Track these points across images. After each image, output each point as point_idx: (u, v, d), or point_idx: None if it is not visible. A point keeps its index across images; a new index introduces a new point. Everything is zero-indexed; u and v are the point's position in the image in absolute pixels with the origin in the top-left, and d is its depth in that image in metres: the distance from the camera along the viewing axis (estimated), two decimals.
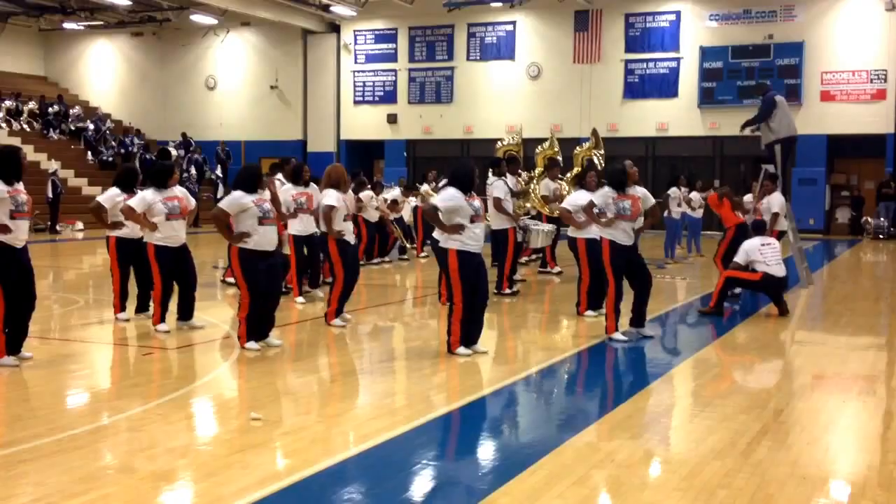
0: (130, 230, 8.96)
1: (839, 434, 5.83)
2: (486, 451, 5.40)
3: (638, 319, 8.80)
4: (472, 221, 7.53)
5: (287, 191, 10.54)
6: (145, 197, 8.60)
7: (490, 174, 11.93)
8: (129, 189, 9.19)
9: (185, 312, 8.91)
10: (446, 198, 7.60)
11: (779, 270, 10.32)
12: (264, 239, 7.77)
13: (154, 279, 8.68)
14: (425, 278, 13.89)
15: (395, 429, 5.57)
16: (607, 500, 4.56)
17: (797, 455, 5.19)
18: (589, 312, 9.94)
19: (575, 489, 4.54)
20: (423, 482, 4.75)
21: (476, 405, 6.39)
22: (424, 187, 18.73)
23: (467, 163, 8.11)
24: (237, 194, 7.80)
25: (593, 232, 9.55)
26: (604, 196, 8.68)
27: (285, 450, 5.23)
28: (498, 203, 11.36)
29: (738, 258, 10.41)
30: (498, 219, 11.49)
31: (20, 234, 7.00)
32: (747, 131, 13.51)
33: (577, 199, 9.91)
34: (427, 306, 11.18)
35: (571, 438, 5.43)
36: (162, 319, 8.74)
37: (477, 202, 7.67)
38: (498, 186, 11.55)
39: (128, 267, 9.18)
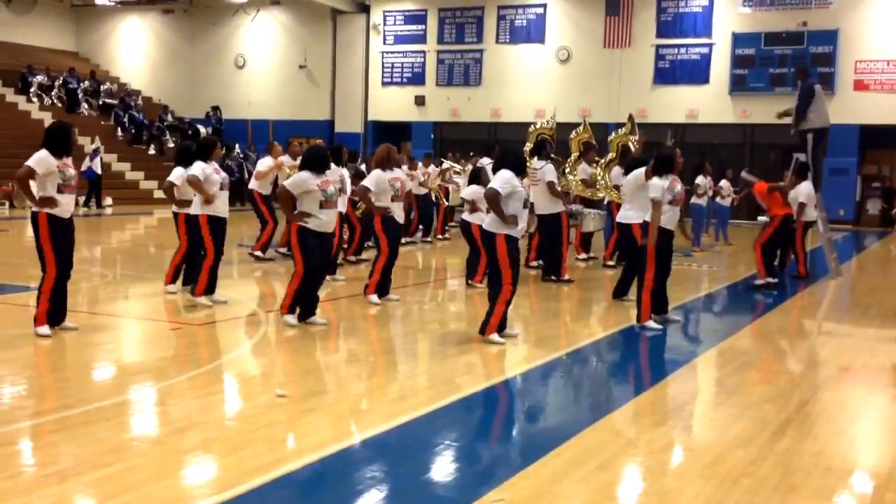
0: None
1: (865, 426, 5.79)
2: (509, 434, 5.41)
3: (663, 305, 8.75)
4: (524, 207, 7.51)
5: None
6: (204, 169, 8.78)
7: (535, 159, 11.87)
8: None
9: (213, 286, 9.07)
10: (505, 181, 7.42)
11: None
12: (324, 222, 7.90)
13: (208, 250, 8.86)
14: (450, 260, 13.88)
15: (419, 409, 5.59)
16: (629, 486, 4.56)
17: (822, 446, 5.16)
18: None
19: (597, 474, 4.54)
20: (445, 463, 4.76)
21: (499, 388, 6.40)
22: (447, 164, 18.82)
23: (513, 146, 8.10)
24: (304, 175, 7.85)
25: (633, 217, 9.51)
26: (663, 185, 8.45)
27: (310, 426, 5.27)
28: (553, 187, 11.26)
29: None
30: (550, 203, 11.39)
31: (68, 206, 7.23)
32: (787, 120, 13.42)
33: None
34: (450, 289, 11.18)
35: (595, 423, 5.44)
36: (208, 291, 8.90)
37: (525, 188, 7.66)
38: (549, 170, 11.44)
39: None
